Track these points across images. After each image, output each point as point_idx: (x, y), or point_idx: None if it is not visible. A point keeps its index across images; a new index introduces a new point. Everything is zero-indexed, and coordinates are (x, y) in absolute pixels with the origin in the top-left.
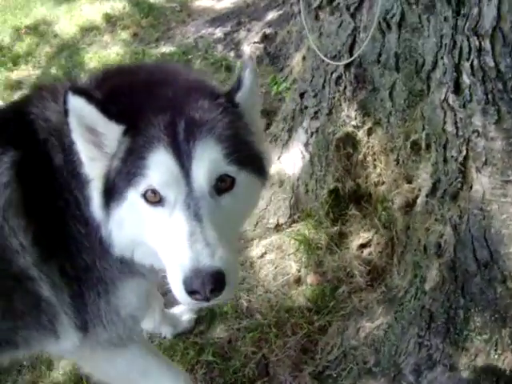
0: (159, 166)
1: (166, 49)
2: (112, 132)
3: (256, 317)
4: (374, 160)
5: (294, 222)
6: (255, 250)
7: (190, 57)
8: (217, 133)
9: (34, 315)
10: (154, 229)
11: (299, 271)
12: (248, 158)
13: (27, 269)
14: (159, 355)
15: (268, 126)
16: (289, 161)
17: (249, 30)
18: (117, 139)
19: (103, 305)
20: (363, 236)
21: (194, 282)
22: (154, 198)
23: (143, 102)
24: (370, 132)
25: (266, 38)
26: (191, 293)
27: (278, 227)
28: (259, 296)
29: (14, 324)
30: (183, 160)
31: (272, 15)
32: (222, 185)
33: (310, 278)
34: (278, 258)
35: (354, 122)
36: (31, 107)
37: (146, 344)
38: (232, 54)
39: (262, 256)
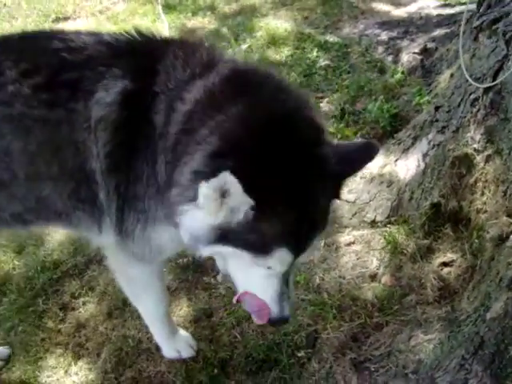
0: (282, 261)
1: (330, 37)
2: (241, 199)
3: (323, 295)
4: (484, 187)
5: (389, 223)
6: (345, 237)
7: (349, 50)
8: (324, 229)
9: (90, 205)
10: (249, 274)
11: (378, 269)
12: None
13: (95, 172)
14: (165, 294)
15: (397, 131)
16: (404, 166)
17: (412, 40)
18: (241, 206)
19: (138, 228)
20: (449, 256)
21: (277, 323)
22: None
23: (273, 171)
24: (488, 159)
25: (425, 51)
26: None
27: (373, 223)
28: (333, 278)
29: (76, 204)
30: (299, 255)
31: (439, 31)
32: None
33: (385, 279)
34: (363, 251)
35: (475, 145)
36: (166, 56)
37: (161, 274)
38: (390, 58)
39: (349, 244)
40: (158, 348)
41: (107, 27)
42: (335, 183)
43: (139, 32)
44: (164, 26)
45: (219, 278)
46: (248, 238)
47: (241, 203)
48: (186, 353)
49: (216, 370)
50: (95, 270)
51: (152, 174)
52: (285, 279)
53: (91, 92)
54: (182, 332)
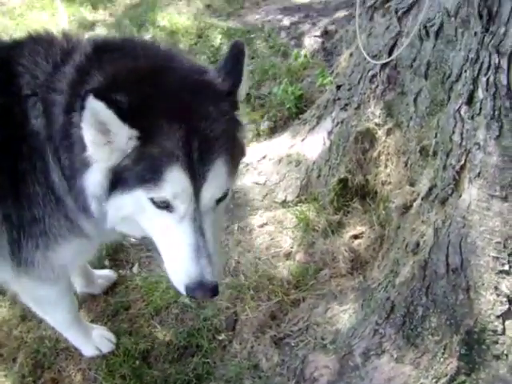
0: (175, 183)
1: (233, 24)
2: (124, 133)
3: (239, 277)
4: (387, 160)
5: (300, 201)
6: (257, 219)
7: (252, 36)
8: (225, 152)
9: None
10: (157, 226)
11: (291, 247)
12: (240, 155)
13: None
14: (74, 303)
15: (302, 112)
16: (310, 145)
17: (313, 24)
18: (128, 140)
19: (39, 255)
20: (358, 229)
21: (197, 292)
22: (162, 204)
23: (153, 100)
24: (389, 132)
25: (326, 34)
26: (187, 289)
27: (283, 203)
28: (248, 260)
29: None
30: (196, 180)
31: (338, 14)
32: (221, 198)
33: (299, 256)
34: (276, 231)
35: (376, 120)
36: (22, 58)
37: (68, 287)
38: (292, 42)
39: (262, 226)
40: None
41: (3, 23)
42: (227, 99)
43: None
44: (63, 20)
45: (135, 269)
46: (138, 169)
47: (121, 133)
48: (105, 348)
49: (138, 362)
50: None
51: (48, 188)
52: (197, 227)
53: None
54: (98, 328)
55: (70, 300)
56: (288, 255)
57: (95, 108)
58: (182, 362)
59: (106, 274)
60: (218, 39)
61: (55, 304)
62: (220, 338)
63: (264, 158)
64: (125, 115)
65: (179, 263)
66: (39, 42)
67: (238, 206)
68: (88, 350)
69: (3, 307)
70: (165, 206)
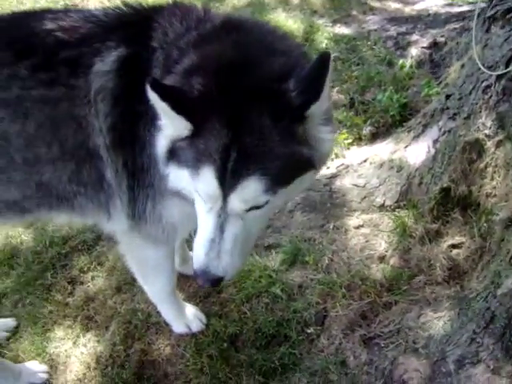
0: (205, 183)
1: (339, 30)
2: (180, 122)
3: (332, 275)
4: (494, 172)
5: (398, 207)
6: (354, 221)
7: (358, 43)
8: (264, 170)
9: (95, 189)
10: (196, 204)
11: (386, 251)
12: (294, 171)
13: (100, 148)
14: (174, 274)
15: (406, 120)
16: (414, 152)
17: (421, 36)
18: (183, 128)
19: (150, 206)
20: (457, 239)
21: (198, 278)
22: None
23: (217, 96)
24: (499, 144)
25: (434, 45)
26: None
27: (382, 207)
28: (342, 259)
29: (77, 189)
30: (225, 188)
31: (448, 27)
32: (253, 207)
33: (394, 260)
34: (371, 234)
35: (487, 131)
36: (160, 17)
37: (173, 255)
38: (398, 52)
39: (358, 227)
40: (167, 322)
41: None
42: (292, 114)
43: (128, 5)
44: None
45: None
46: (187, 154)
47: (178, 121)
48: (196, 327)
49: (226, 344)
50: (104, 246)
51: (152, 138)
52: (219, 224)
53: (89, 66)
54: (191, 307)
55: (171, 269)
56: (382, 258)
57: (153, 97)
58: (269, 349)
59: None
60: (323, 43)
61: (158, 269)
62: (308, 331)
63: (365, 161)
64: (182, 107)
65: (196, 246)
66: (179, 7)
67: (335, 206)
68: (179, 327)
69: (101, 277)
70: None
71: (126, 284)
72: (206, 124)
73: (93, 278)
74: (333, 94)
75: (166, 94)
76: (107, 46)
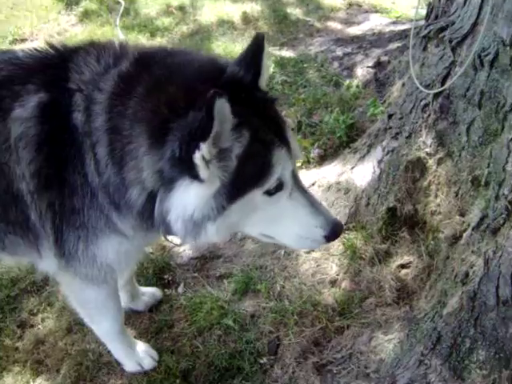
0: (281, 160)
1: (286, 54)
2: (229, 126)
3: (284, 302)
4: (437, 189)
5: (348, 229)
6: None
7: (305, 65)
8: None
9: (22, 229)
10: (271, 214)
11: (337, 274)
12: None
13: (23, 193)
14: (121, 313)
15: (353, 141)
16: (360, 173)
17: (366, 55)
18: (230, 133)
19: (81, 247)
20: (406, 258)
21: (337, 231)
22: (275, 189)
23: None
24: (440, 161)
25: (378, 65)
26: (328, 238)
27: None
28: (293, 285)
29: (6, 228)
30: (289, 150)
31: (391, 46)
32: None
33: (345, 283)
34: (322, 258)
35: (428, 149)
36: (75, 57)
37: (116, 291)
38: (345, 73)
39: (308, 252)
40: (118, 361)
41: None
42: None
43: (51, 45)
44: None
45: (180, 289)
46: (249, 171)
47: (231, 142)
48: (148, 364)
49: (178, 381)
50: (54, 286)
51: (85, 179)
52: (302, 188)
53: (8, 111)
54: (142, 344)
55: (117, 308)
56: (334, 282)
57: (222, 107)
58: (223, 383)
59: (151, 292)
60: (271, 68)
61: (102, 309)
62: (262, 361)
63: (313, 184)
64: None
65: (309, 223)
66: (95, 46)
67: None
68: (130, 366)
69: (50, 319)
70: (278, 187)
71: (77, 324)
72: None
73: (43, 319)
74: None
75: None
76: (27, 89)
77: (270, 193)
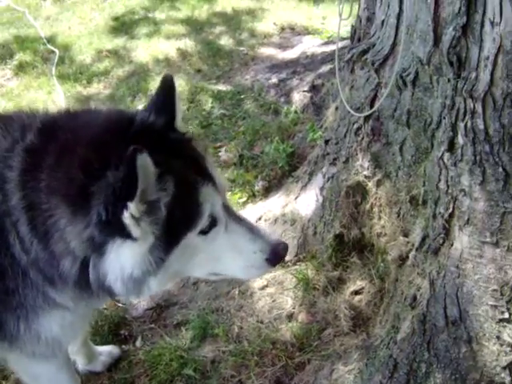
0: (209, 195)
1: (223, 87)
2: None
3: (243, 343)
4: (380, 211)
5: (299, 260)
6: (258, 282)
7: (242, 96)
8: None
9: None
10: (210, 251)
11: (293, 308)
12: None
13: None
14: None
15: (295, 169)
16: (304, 202)
17: (301, 79)
18: (155, 185)
19: (23, 327)
20: (358, 284)
21: (281, 249)
22: (208, 226)
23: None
24: (379, 183)
25: (313, 88)
26: (271, 261)
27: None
28: (251, 324)
29: None
30: (214, 185)
31: (324, 68)
32: None
33: (302, 316)
34: (277, 293)
35: (366, 172)
36: None
37: (68, 362)
38: (282, 99)
39: (263, 288)
40: None
41: (2, 104)
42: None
43: None
44: (60, 97)
45: (138, 343)
46: (178, 215)
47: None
48: None
49: None
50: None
51: (12, 259)
52: (236, 215)
53: None
54: None
55: (69, 378)
56: (290, 316)
57: (146, 162)
58: None
59: (108, 351)
60: (209, 103)
61: (55, 383)
62: None
63: (260, 219)
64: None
65: (248, 250)
66: (3, 119)
67: None
68: None
69: None
70: (211, 224)
71: None
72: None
73: None
74: (221, 153)
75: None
76: None
77: (204, 232)
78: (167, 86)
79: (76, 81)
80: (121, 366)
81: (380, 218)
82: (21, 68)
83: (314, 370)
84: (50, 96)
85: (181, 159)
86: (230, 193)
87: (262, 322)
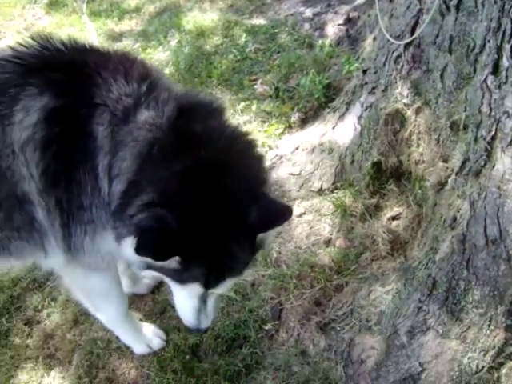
0: (194, 292)
1: (256, 21)
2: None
3: (281, 267)
4: (419, 139)
5: (336, 188)
6: (296, 209)
7: (276, 31)
8: (235, 274)
9: (27, 231)
10: (175, 286)
11: (331, 234)
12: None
13: (29, 194)
14: (124, 298)
15: (332, 101)
16: (342, 131)
17: (336, 13)
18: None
19: (88, 240)
20: (395, 210)
21: (193, 331)
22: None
23: (195, 223)
24: (418, 111)
25: (349, 21)
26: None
27: (320, 191)
28: (289, 250)
29: (11, 234)
30: (208, 289)
31: (359, 1)
32: None
33: (339, 242)
34: (314, 220)
35: (405, 100)
36: (104, 71)
37: (117, 279)
38: (317, 33)
39: (300, 215)
40: (127, 345)
41: None
42: (250, 236)
43: (45, 40)
44: (92, 34)
45: None
46: (170, 271)
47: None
48: (156, 345)
49: (188, 356)
50: (55, 281)
51: (95, 186)
52: (203, 300)
53: (8, 117)
54: (148, 325)
55: (119, 293)
56: (328, 242)
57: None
58: (231, 353)
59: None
60: (242, 37)
61: (106, 295)
62: (266, 327)
63: (297, 148)
64: (170, 251)
65: (184, 314)
66: (122, 62)
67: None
68: (139, 348)
69: (56, 313)
70: None
71: (82, 315)
72: (190, 257)
73: (48, 315)
74: (257, 85)
75: (157, 253)
76: (27, 93)
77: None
78: (281, 218)
79: (107, 18)
80: (163, 289)
81: (418, 146)
82: (51, 6)
83: (352, 292)
84: (82, 34)
85: None
86: (266, 124)
87: (300, 248)
